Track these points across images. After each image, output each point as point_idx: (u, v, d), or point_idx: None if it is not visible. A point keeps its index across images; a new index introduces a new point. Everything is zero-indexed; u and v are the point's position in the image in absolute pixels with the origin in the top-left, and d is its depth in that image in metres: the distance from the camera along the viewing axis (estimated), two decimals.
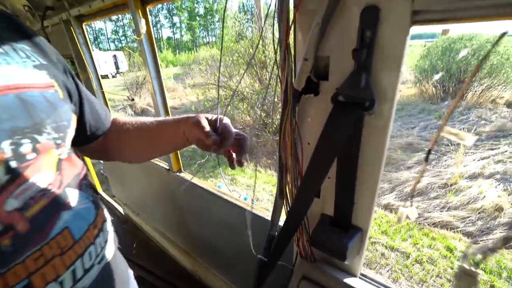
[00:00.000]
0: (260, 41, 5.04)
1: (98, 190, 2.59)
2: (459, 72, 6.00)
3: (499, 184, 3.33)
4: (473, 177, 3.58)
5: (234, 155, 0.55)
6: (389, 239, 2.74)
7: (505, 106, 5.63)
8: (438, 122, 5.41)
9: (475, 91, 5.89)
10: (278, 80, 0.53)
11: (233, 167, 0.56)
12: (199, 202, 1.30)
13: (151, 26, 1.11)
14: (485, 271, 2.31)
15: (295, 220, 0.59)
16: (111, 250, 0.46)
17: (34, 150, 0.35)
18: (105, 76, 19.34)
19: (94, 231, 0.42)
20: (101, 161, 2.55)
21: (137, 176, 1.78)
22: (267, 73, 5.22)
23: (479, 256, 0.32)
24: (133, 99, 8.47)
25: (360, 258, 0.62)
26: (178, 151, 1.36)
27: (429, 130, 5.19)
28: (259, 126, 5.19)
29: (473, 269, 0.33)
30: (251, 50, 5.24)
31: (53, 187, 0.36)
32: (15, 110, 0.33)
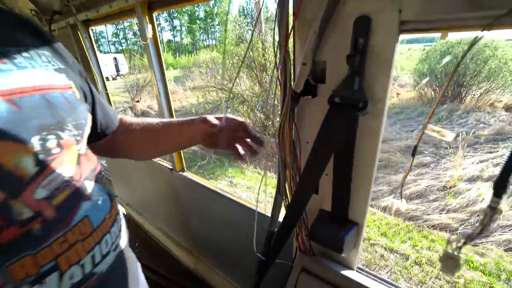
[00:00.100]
0: (260, 44, 5.10)
1: None
2: (458, 76, 6.07)
3: None
4: (472, 179, 3.60)
5: (240, 148, 0.59)
6: (388, 241, 2.76)
7: (503, 109, 5.68)
8: (436, 125, 5.44)
9: (474, 94, 5.94)
10: (278, 82, 0.57)
11: (242, 159, 0.60)
12: (201, 201, 1.33)
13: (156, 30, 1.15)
14: (484, 273, 2.33)
15: (294, 215, 0.62)
16: (124, 239, 0.50)
17: (58, 145, 0.38)
18: (105, 78, 19.39)
19: (110, 221, 0.45)
20: (104, 163, 2.58)
21: (140, 176, 1.81)
22: (267, 76, 5.27)
23: (460, 242, 0.36)
24: (138, 101, 8.56)
25: (357, 251, 0.65)
26: (182, 151, 1.40)
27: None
28: (259, 128, 5.23)
29: (455, 253, 0.37)
30: (251, 53, 5.30)
31: (74, 179, 0.40)
32: (42, 109, 0.37)
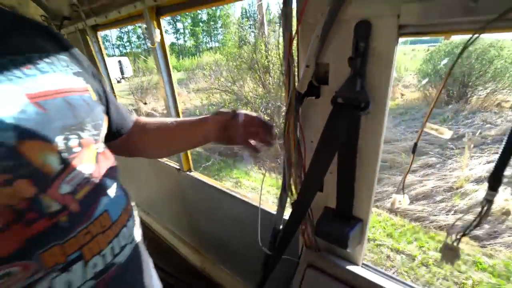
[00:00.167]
0: (263, 46, 5.15)
1: None
2: (463, 76, 6.01)
3: (506, 188, 3.31)
4: (479, 180, 3.56)
5: (253, 142, 0.62)
6: (394, 242, 2.75)
7: (510, 110, 5.60)
8: (442, 125, 5.39)
9: (480, 95, 5.88)
10: (282, 84, 0.60)
11: (258, 152, 0.63)
12: (208, 200, 1.35)
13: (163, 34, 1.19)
14: (493, 275, 2.31)
15: (300, 212, 0.64)
16: (138, 234, 0.53)
17: (79, 144, 0.41)
18: None
19: (126, 216, 0.48)
20: None
21: (147, 176, 1.85)
22: (270, 78, 5.30)
23: (459, 235, 0.38)
24: (145, 103, 8.72)
25: (362, 247, 0.67)
26: (189, 151, 1.43)
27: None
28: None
29: (455, 244, 0.38)
30: (254, 55, 5.35)
31: (94, 176, 0.43)
32: (64, 111, 0.40)
